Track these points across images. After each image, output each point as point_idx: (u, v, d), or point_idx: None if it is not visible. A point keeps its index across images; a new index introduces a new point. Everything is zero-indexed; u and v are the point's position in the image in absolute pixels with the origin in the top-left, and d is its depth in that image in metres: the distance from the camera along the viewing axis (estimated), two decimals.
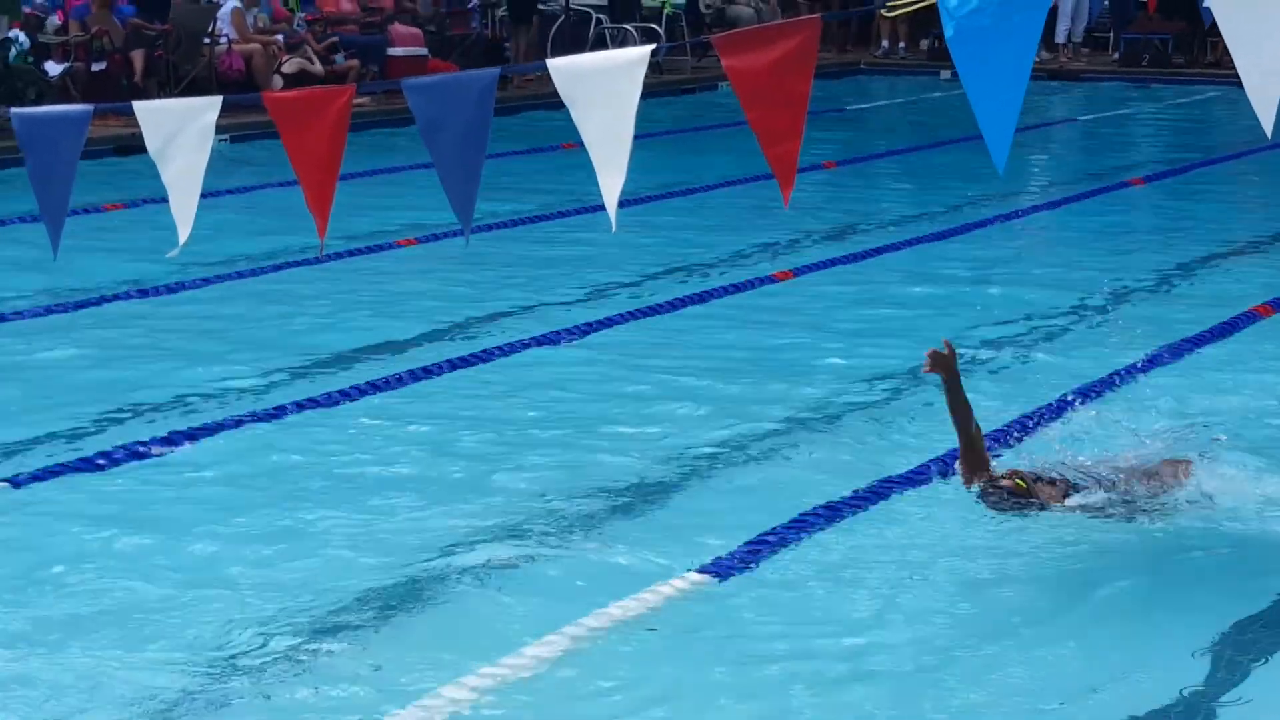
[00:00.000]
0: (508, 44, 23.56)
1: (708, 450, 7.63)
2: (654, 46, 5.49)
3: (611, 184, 5.33)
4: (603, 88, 5.28)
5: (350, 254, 12.16)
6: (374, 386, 8.57)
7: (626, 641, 5.56)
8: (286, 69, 20.10)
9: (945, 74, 24.30)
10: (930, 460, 7.21)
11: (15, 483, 7.08)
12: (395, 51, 21.55)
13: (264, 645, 5.53)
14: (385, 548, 6.41)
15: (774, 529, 6.45)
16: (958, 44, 4.72)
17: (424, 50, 21.80)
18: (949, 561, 6.19)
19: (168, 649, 5.49)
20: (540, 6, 24.20)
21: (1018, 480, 6.36)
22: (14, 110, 6.61)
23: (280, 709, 5.14)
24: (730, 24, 24.75)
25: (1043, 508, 6.33)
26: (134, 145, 16.14)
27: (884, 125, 21.85)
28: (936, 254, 12.37)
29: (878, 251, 12.34)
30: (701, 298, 10.74)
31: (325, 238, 6.10)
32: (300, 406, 8.25)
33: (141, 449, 7.54)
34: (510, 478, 7.23)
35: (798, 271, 11.59)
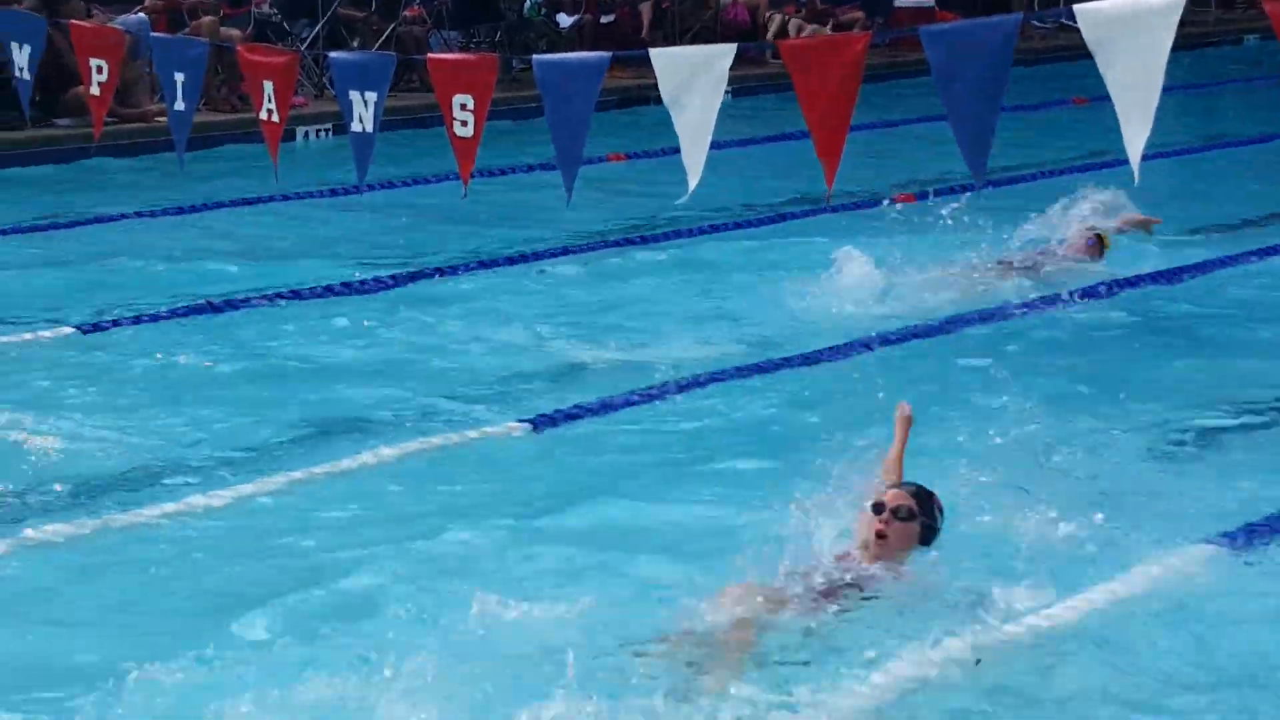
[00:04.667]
0: None
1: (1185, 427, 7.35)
2: None
3: (1136, 135, 5.04)
4: (1133, 33, 4.99)
5: (845, 208, 12.01)
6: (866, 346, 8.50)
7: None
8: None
9: None
10: None
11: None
12: (902, 2, 21.44)
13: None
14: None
15: None
16: None
17: (931, 1, 21.56)
18: None
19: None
20: None
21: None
22: (535, 57, 6.81)
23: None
24: None
25: None
26: (638, 97, 16.65)
27: None
28: None
29: None
30: (1226, 261, 10.18)
31: (832, 187, 6.02)
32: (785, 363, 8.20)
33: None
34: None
35: None
